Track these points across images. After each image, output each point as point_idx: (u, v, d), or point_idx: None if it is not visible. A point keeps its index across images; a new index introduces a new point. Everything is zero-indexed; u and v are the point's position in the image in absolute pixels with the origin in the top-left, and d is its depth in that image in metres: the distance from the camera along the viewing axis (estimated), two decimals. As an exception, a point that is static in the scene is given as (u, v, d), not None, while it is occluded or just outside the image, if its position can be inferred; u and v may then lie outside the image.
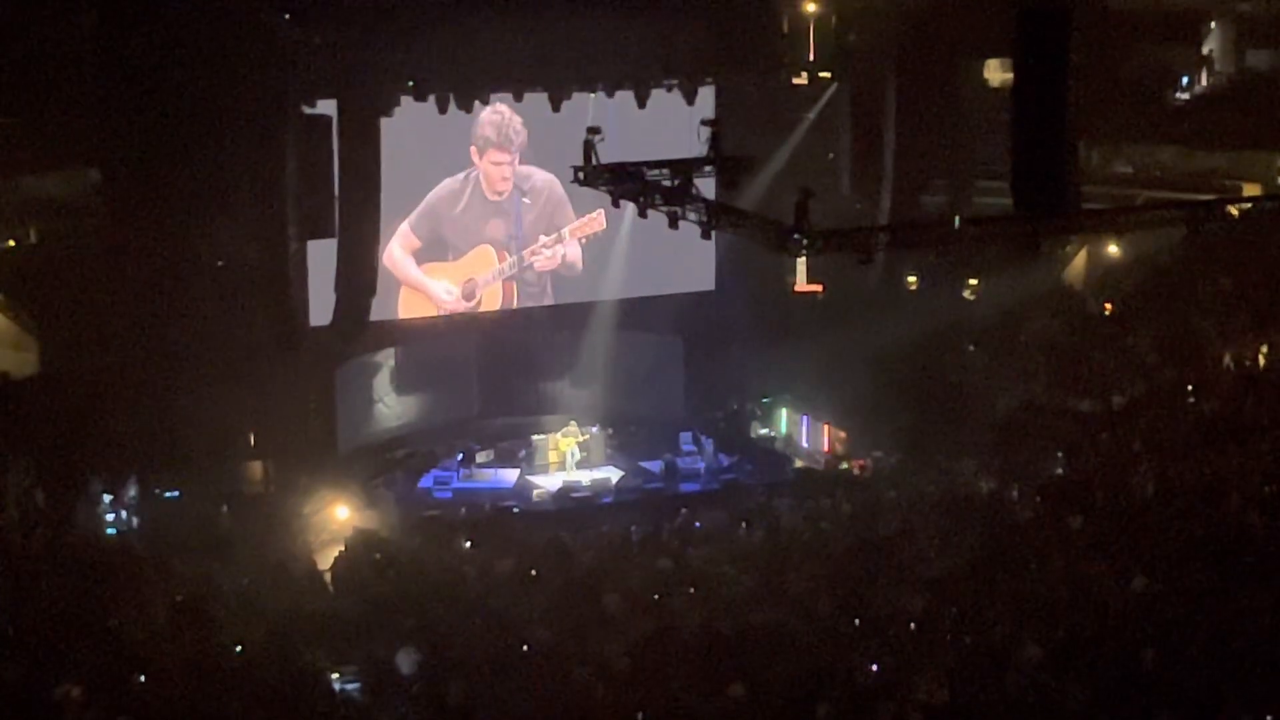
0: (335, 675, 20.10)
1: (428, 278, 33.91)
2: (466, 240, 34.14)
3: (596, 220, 33.82)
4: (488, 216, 34.23)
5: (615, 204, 25.20)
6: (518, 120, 33.51)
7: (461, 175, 33.80)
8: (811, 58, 33.85)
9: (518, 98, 32.37)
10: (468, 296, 34.27)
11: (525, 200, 34.32)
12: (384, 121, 31.18)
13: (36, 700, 17.26)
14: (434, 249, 33.85)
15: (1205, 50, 38.22)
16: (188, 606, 21.80)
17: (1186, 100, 37.80)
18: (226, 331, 30.49)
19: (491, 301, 34.59)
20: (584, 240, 34.63)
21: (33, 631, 19.60)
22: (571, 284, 35.10)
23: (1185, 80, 37.55)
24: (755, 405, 36.08)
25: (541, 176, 33.81)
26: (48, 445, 27.61)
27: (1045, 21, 20.31)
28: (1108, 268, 35.51)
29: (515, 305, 34.93)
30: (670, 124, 31.62)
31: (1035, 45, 20.25)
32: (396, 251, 33.42)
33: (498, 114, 33.43)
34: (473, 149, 33.74)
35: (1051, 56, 20.08)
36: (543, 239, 34.50)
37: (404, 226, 33.41)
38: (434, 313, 34.29)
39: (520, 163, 33.86)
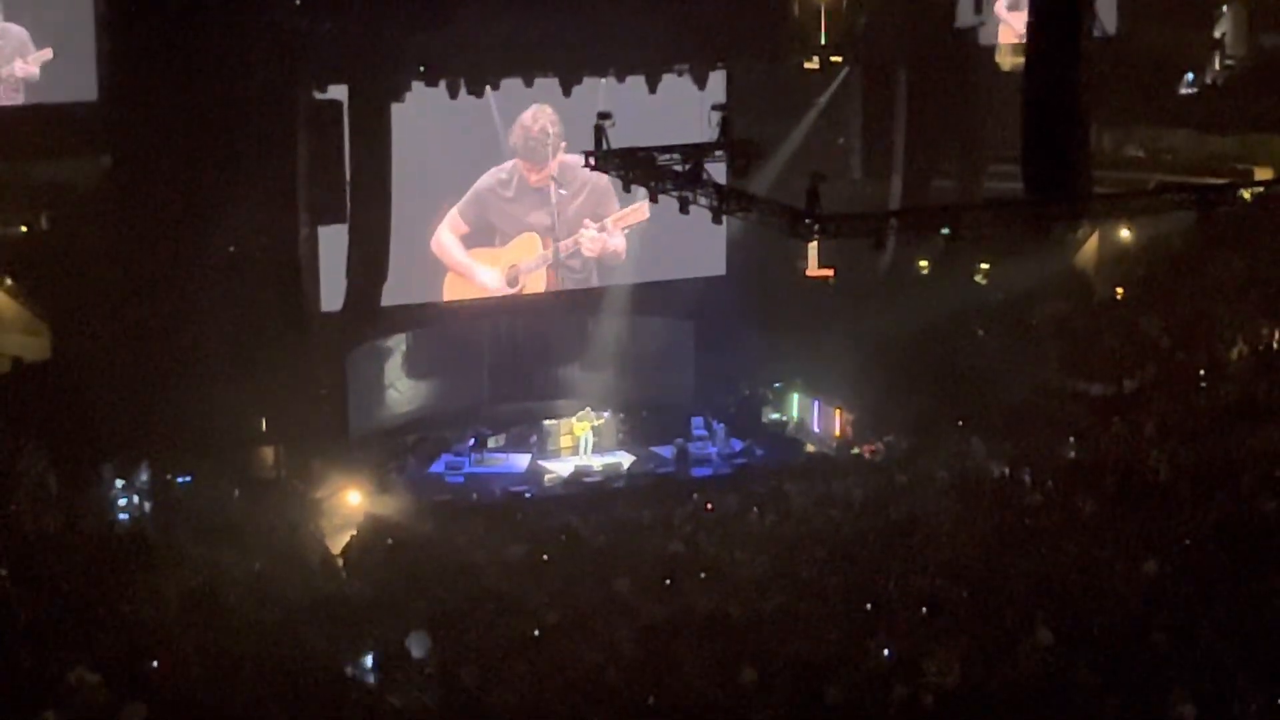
0: (347, 660, 20.14)
1: (474, 263, 34.14)
2: (513, 227, 34.42)
3: (640, 210, 33.87)
4: (533, 205, 34.46)
5: (626, 189, 25.18)
6: (552, 126, 33.55)
7: (509, 164, 34.00)
8: (823, 42, 33.80)
9: (528, 83, 32.35)
10: (511, 283, 34.54)
11: (566, 191, 34.46)
12: (434, 106, 31.45)
13: (50, 685, 17.31)
14: (481, 235, 34.13)
15: (1218, 34, 38.13)
16: (200, 592, 21.86)
17: (1198, 86, 37.76)
18: (238, 317, 30.56)
19: (535, 288, 34.87)
20: (627, 230, 34.82)
21: (46, 617, 19.64)
22: (616, 272, 35.24)
23: (1190, 77, 37.54)
24: (766, 390, 36.08)
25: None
26: (60, 430, 27.64)
27: (1057, 5, 20.26)
28: (1119, 251, 35.47)
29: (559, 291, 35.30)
30: (681, 109, 31.73)
31: (1047, 28, 20.21)
32: (445, 236, 33.72)
33: (535, 120, 33.61)
34: (515, 145, 34.24)
35: (1063, 40, 20.03)
36: (588, 224, 34.66)
37: (453, 212, 33.68)
38: (478, 297, 34.63)
39: (566, 152, 33.89)
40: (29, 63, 30.51)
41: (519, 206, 34.37)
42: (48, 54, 30.52)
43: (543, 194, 34.44)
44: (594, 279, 35.41)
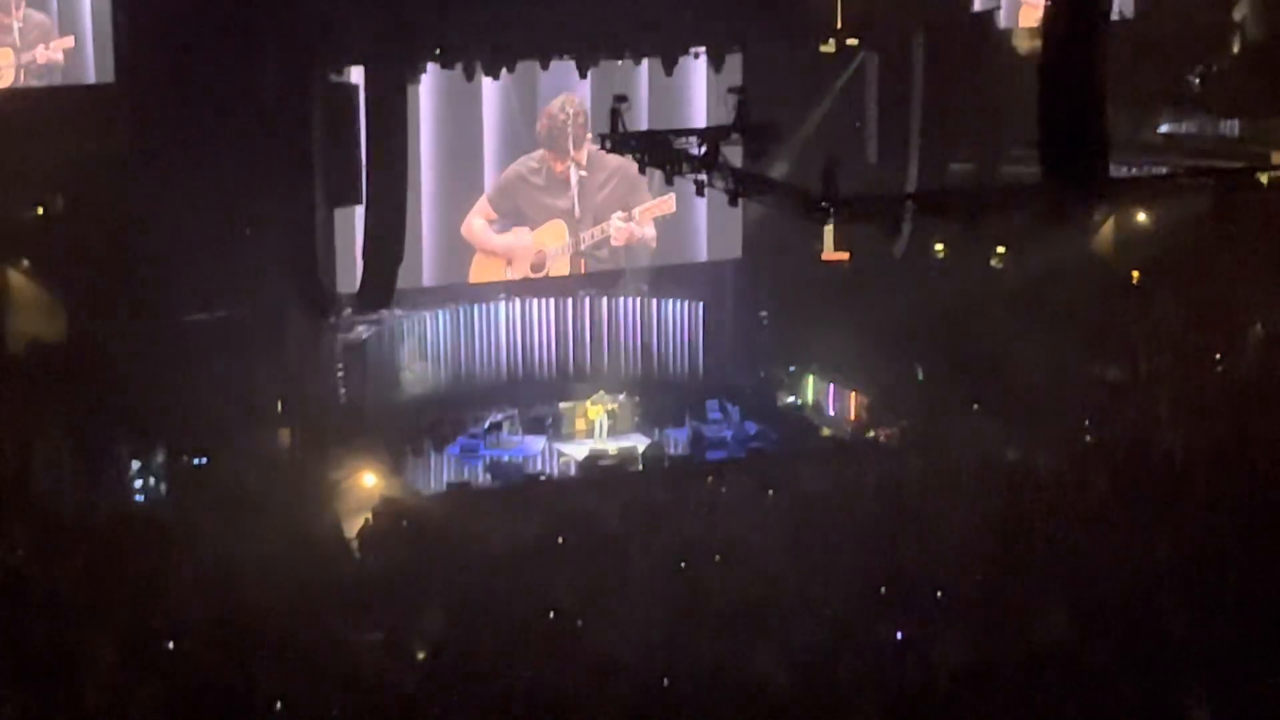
0: (362, 640, 20.21)
1: (503, 247, 34.25)
2: (541, 214, 34.38)
3: (667, 203, 33.94)
4: (561, 192, 34.43)
5: (642, 171, 25.17)
6: (579, 115, 33.58)
7: (539, 152, 34.04)
8: (839, 25, 33.67)
9: (544, 66, 32.31)
10: (537, 269, 34.56)
11: (599, 178, 34.46)
12: (456, 88, 31.74)
13: (68, 665, 17.39)
14: (510, 221, 34.24)
15: (1237, 16, 37.96)
16: (215, 573, 21.94)
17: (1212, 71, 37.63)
18: (255, 298, 30.66)
19: (560, 274, 34.90)
20: (652, 218, 34.93)
21: (63, 597, 19.73)
22: (636, 255, 35.31)
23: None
24: (782, 373, 36.04)
25: (616, 156, 33.70)
26: (76, 412, 27.75)
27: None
28: (1136, 235, 35.36)
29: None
30: (699, 91, 31.77)
31: (1065, 11, 20.16)
32: (475, 221, 33.84)
33: (563, 113, 33.66)
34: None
35: (1082, 23, 19.98)
36: (616, 215, 34.70)
37: (483, 200, 33.82)
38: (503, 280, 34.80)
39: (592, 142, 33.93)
40: (51, 49, 30.54)
41: (548, 194, 34.41)
42: (69, 42, 30.52)
43: (570, 182, 34.47)
44: (621, 266, 35.49)
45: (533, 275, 34.70)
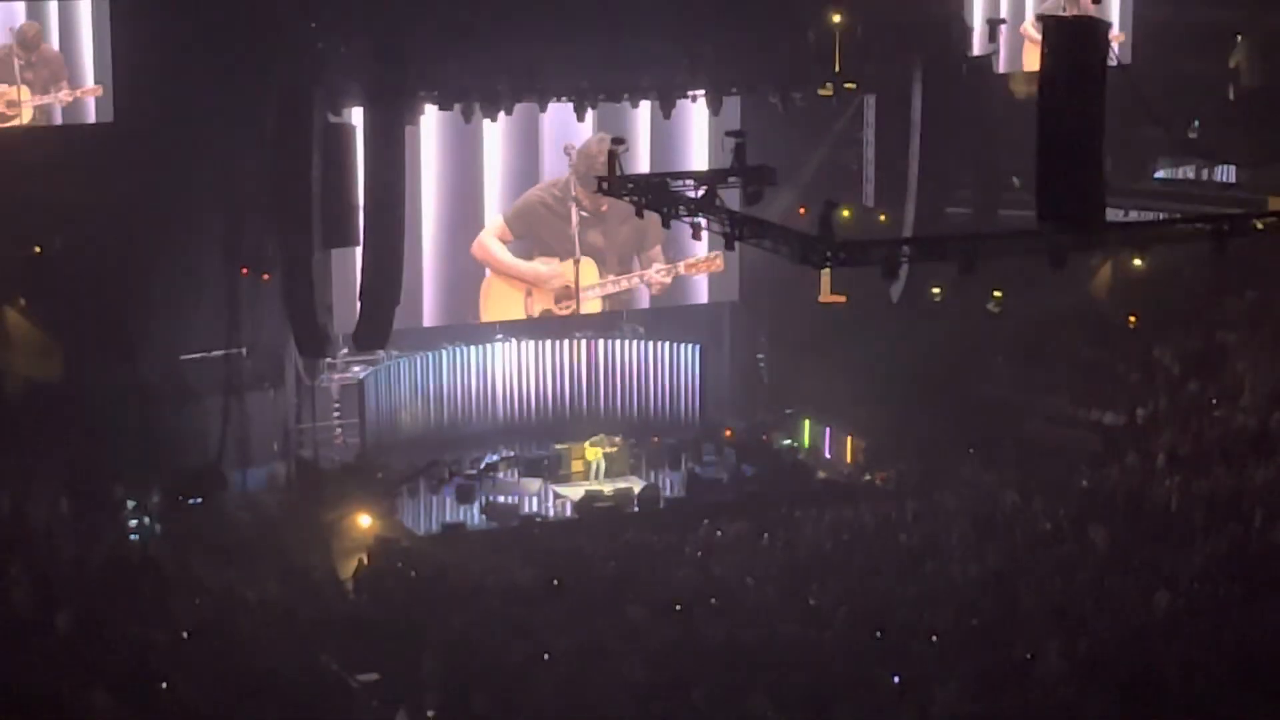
0: (357, 683, 20.15)
1: (529, 274, 34.28)
2: (560, 243, 34.44)
3: (715, 261, 34.12)
4: (588, 227, 34.45)
5: (639, 214, 25.17)
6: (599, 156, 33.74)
7: (563, 180, 34.05)
8: (837, 69, 33.79)
9: (542, 108, 32.40)
10: (560, 299, 34.51)
11: (621, 217, 34.47)
12: (471, 130, 31.99)
13: (64, 706, 17.34)
14: (527, 245, 34.30)
15: (1232, 63, 38.13)
16: (211, 613, 21.90)
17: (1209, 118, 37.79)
18: (251, 338, 30.67)
19: (590, 311, 35.13)
20: (696, 274, 35.17)
21: (60, 638, 19.68)
22: (657, 298, 35.50)
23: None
24: (778, 416, 36.05)
25: None
26: (72, 452, 27.71)
27: (1075, 34, 20.26)
28: (1132, 280, 35.43)
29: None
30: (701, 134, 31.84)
31: (1064, 58, 20.20)
32: (492, 243, 33.76)
33: (599, 147, 33.68)
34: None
35: (1080, 70, 20.03)
36: (657, 266, 34.80)
37: (498, 219, 33.74)
38: (520, 315, 34.72)
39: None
40: (78, 93, 30.43)
41: (569, 226, 34.35)
42: (98, 91, 30.43)
43: (594, 216, 34.40)
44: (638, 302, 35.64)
45: (556, 309, 34.63)
